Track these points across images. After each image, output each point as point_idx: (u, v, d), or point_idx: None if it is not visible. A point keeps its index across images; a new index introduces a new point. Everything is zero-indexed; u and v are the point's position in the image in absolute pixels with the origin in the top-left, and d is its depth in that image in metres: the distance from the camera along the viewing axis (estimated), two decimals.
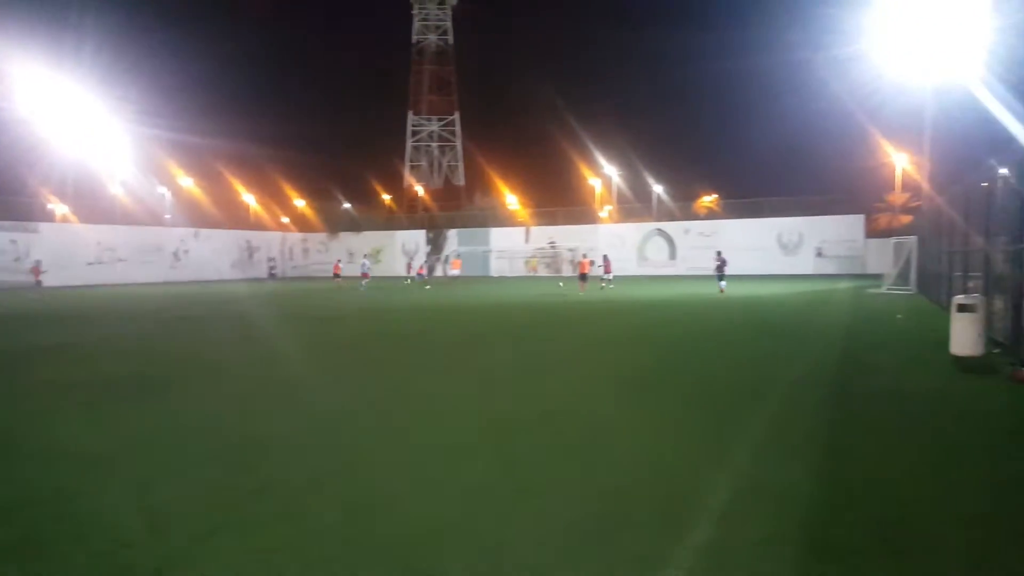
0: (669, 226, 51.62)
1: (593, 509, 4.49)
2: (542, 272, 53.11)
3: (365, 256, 44.07)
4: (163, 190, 59.90)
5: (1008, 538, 4.01)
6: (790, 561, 3.69)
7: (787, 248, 47.06)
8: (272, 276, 56.28)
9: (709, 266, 28.75)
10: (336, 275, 40.46)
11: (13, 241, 42.84)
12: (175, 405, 8.07)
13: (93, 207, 52.23)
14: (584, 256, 34.13)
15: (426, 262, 48.02)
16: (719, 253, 29.27)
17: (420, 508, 4.59)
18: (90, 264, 46.86)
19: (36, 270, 35.18)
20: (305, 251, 65.10)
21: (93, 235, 47.73)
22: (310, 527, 4.30)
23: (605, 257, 34.01)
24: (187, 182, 64.88)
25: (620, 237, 52.31)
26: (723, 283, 27.70)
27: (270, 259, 58.95)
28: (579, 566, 3.70)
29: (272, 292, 35.29)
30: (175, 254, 52.85)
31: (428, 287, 37.46)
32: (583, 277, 30.71)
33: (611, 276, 33.51)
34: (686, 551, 3.83)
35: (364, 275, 37.99)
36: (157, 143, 58.70)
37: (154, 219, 54.64)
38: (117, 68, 58.12)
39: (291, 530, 4.26)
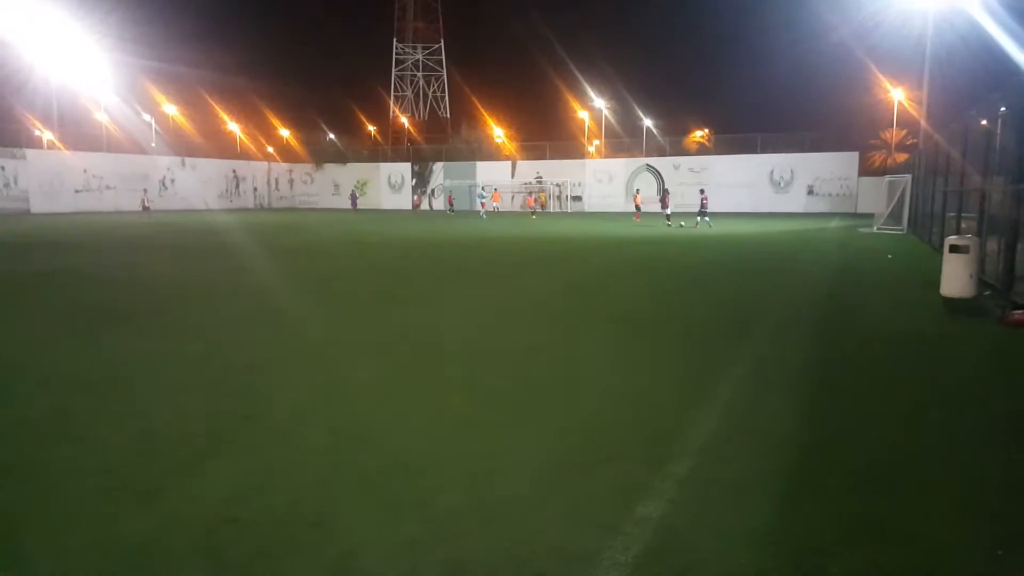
0: (659, 162, 50.98)
1: (578, 441, 4.49)
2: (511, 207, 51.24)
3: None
4: (148, 118, 58.50)
5: (989, 478, 4.02)
6: (772, 495, 3.69)
7: (778, 185, 46.73)
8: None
9: (698, 203, 29.28)
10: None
11: (1, 167, 42.17)
12: (165, 332, 8.05)
13: (80, 134, 51.27)
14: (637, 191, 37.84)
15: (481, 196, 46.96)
16: (702, 191, 31.01)
17: (409, 438, 4.59)
18: (78, 191, 46.51)
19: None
20: (291, 182, 64.24)
21: (81, 162, 47.15)
22: (301, 454, 4.31)
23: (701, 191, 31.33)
24: (172, 110, 63.40)
25: (608, 173, 51.79)
26: (707, 218, 29.06)
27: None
28: (564, 496, 3.71)
29: (260, 222, 34.80)
30: (162, 183, 52.06)
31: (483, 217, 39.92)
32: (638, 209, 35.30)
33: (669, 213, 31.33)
34: (668, 483, 3.84)
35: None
36: (142, 70, 57.40)
37: (140, 147, 53.63)
38: None
39: (282, 455, 4.27)
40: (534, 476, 3.97)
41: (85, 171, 47.07)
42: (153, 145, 55.68)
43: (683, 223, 30.01)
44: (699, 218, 29.18)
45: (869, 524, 3.40)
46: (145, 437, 4.58)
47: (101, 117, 53.94)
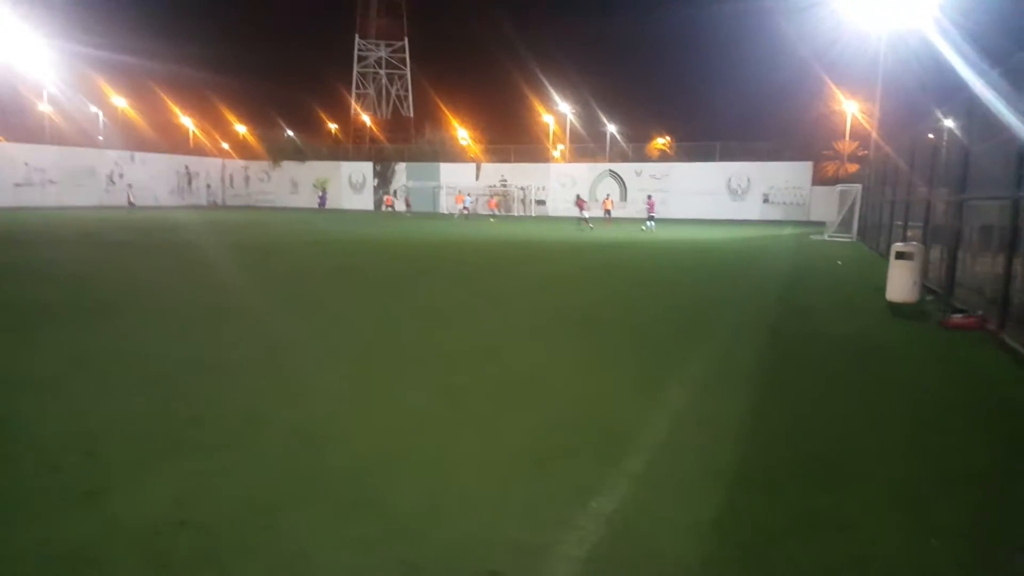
0: (621, 167, 51.49)
1: (535, 440, 4.53)
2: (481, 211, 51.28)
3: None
4: (96, 110, 56.69)
5: (924, 470, 4.19)
6: (724, 490, 3.78)
7: (736, 193, 47.61)
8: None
9: (657, 209, 32.51)
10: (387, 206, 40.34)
11: None
12: (111, 330, 7.85)
13: (20, 125, 49.28)
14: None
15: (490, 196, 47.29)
16: (650, 196, 34.80)
17: (364, 438, 4.57)
18: (18, 185, 44.38)
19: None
20: (247, 179, 62.90)
21: (21, 154, 45.06)
22: (253, 455, 4.24)
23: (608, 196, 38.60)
24: (121, 103, 61.53)
25: (572, 177, 52.04)
26: (652, 224, 31.86)
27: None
28: (519, 493, 3.74)
29: (216, 220, 34.12)
30: (109, 177, 50.35)
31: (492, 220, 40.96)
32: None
33: (587, 215, 34.65)
34: (623, 480, 3.90)
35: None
36: (89, 60, 55.43)
37: (87, 140, 51.81)
38: None
39: (233, 456, 4.19)
40: (490, 474, 3.99)
41: (26, 164, 44.98)
42: (101, 138, 53.98)
43: (592, 226, 32.41)
44: (646, 223, 31.72)
45: (811, 515, 3.52)
46: (89, 437, 4.45)
47: (44, 107, 51.95)
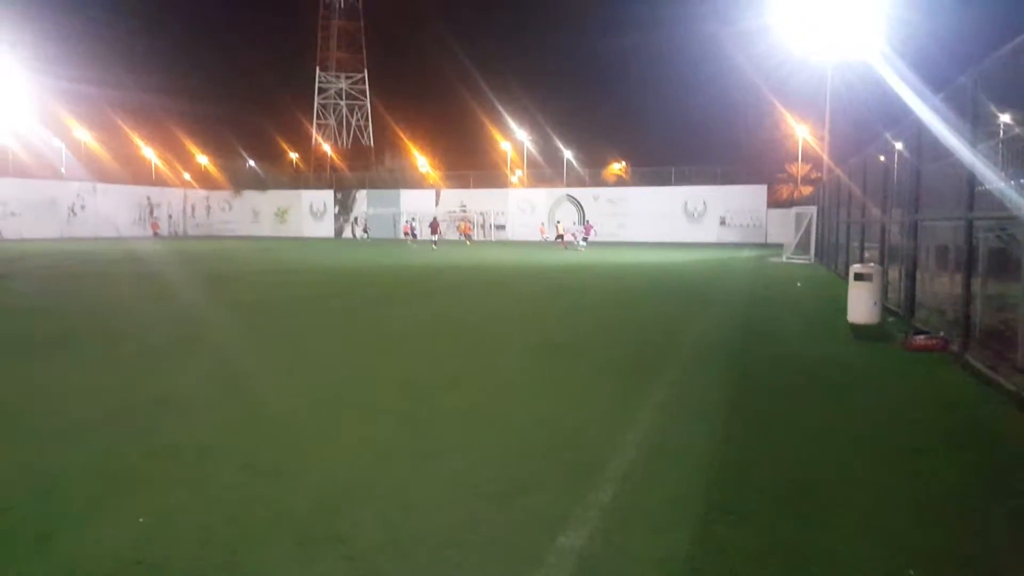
0: (579, 192, 51.97)
1: (499, 472, 4.43)
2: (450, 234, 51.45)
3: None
4: (58, 142, 55.52)
5: (893, 495, 4.15)
6: (693, 521, 3.71)
7: (692, 216, 48.31)
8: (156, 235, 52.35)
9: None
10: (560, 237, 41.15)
11: None
12: (66, 364, 7.64)
13: None
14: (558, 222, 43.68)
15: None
16: (587, 221, 40.75)
17: (325, 472, 4.43)
18: None
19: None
20: (208, 209, 62.15)
21: None
22: (210, 490, 4.11)
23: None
24: (83, 134, 60.49)
25: (530, 202, 52.39)
26: (584, 244, 36.57)
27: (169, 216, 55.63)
28: (485, 527, 3.64)
29: (171, 250, 33.35)
30: (71, 209, 49.31)
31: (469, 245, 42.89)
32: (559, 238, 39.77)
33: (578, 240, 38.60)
34: (590, 512, 3.81)
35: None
36: (50, 92, 54.64)
37: (48, 172, 50.69)
38: (7, 11, 53.18)
39: (189, 493, 4.04)
40: (454, 508, 3.87)
41: None
42: (63, 170, 52.85)
43: (434, 247, 35.18)
44: (580, 243, 36.81)
45: (783, 546, 3.45)
46: (42, 475, 4.27)
47: (5, 140, 50.79)
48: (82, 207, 50.27)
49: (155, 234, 41.29)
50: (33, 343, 8.91)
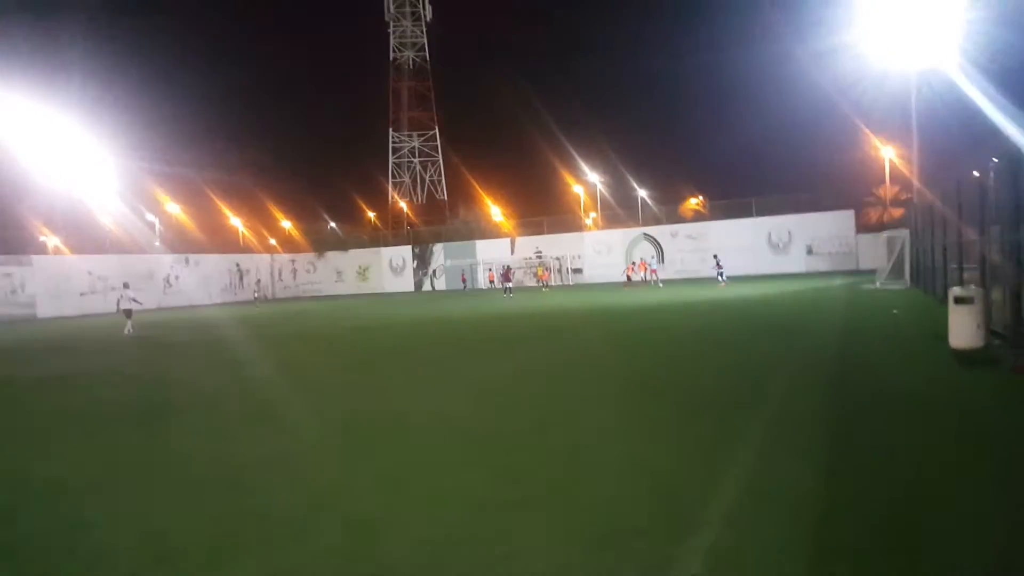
0: (655, 230, 51.50)
1: (596, 517, 4.41)
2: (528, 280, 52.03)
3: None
4: (152, 218, 59.75)
5: (1016, 533, 3.95)
6: (800, 563, 3.62)
7: (777, 247, 47.01)
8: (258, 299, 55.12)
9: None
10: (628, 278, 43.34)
11: (8, 274, 42.76)
12: (170, 431, 8.00)
13: (84, 237, 52.53)
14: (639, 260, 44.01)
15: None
16: (641, 259, 42.01)
17: (421, 524, 4.52)
18: (83, 294, 46.78)
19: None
20: (294, 272, 64.92)
21: (85, 265, 47.73)
22: (314, 548, 4.24)
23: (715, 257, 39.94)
24: (175, 209, 64.90)
25: (606, 244, 52.21)
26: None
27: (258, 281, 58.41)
28: (586, 573, 3.62)
29: (262, 315, 34.93)
30: (167, 280, 52.64)
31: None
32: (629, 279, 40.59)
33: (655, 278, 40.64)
34: (693, 556, 3.76)
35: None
36: (145, 173, 59.16)
37: (144, 247, 54.54)
38: (104, 101, 58.42)
39: (295, 552, 4.20)
40: (553, 555, 3.88)
41: (90, 273, 47.55)
42: (157, 244, 56.64)
43: (509, 295, 36.66)
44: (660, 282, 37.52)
45: None
46: (155, 538, 4.52)
47: (105, 219, 55.16)
48: (176, 277, 53.39)
49: (255, 299, 45.90)
50: (144, 411, 9.41)
